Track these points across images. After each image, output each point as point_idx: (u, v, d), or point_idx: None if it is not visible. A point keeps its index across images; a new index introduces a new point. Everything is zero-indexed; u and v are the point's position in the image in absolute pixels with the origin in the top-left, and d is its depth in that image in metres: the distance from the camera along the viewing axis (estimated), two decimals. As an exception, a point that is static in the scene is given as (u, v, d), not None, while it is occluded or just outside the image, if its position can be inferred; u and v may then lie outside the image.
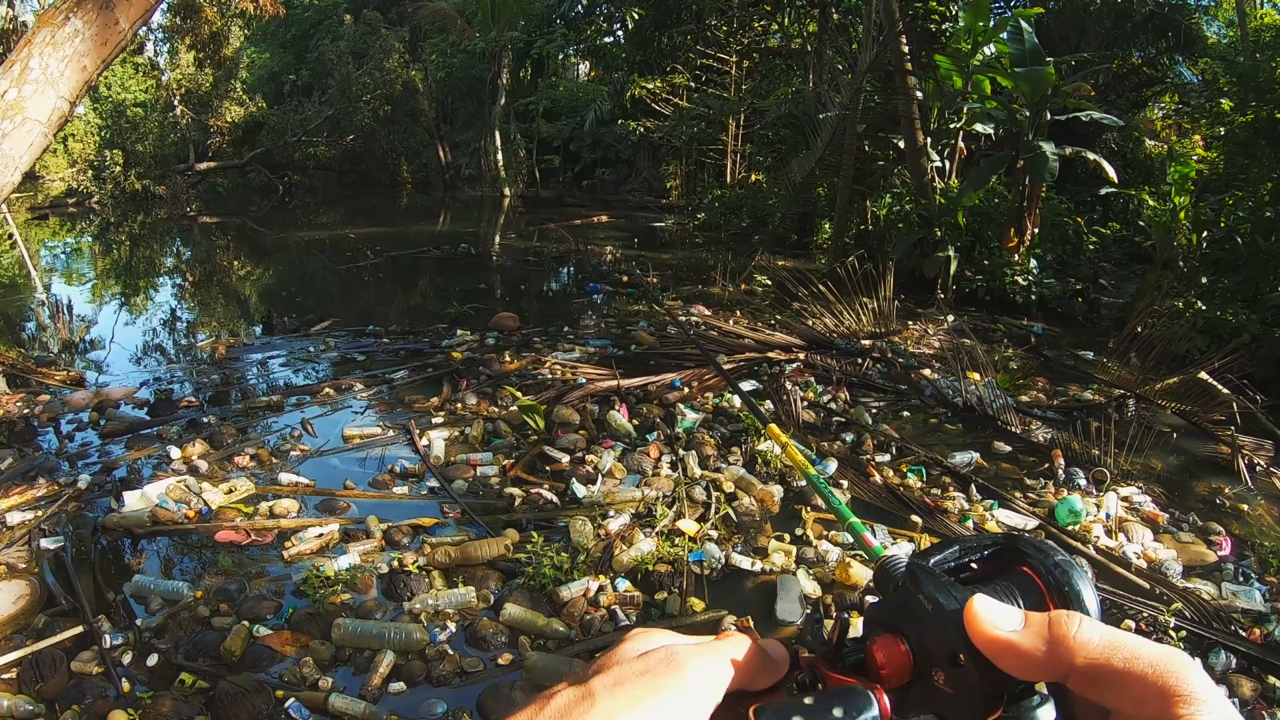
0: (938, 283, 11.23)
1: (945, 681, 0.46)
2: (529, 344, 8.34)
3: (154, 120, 22.42)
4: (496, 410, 6.21)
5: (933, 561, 0.50)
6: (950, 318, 10.04)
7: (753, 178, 19.78)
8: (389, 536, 4.30)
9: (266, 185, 23.52)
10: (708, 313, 9.79)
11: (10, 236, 12.50)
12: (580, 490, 4.79)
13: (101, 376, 7.39)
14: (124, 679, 3.23)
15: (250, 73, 25.05)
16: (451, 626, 3.58)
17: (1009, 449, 5.98)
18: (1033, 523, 4.80)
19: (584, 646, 3.47)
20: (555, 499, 4.79)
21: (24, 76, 3.30)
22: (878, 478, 5.25)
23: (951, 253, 11.08)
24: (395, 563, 4.01)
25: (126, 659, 3.35)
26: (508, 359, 7.61)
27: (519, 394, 6.05)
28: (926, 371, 7.61)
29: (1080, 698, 0.44)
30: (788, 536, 4.45)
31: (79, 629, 3.51)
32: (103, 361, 8.02)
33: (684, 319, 9.26)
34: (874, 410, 6.61)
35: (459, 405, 6.31)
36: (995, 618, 0.44)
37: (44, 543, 4.18)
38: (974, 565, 0.50)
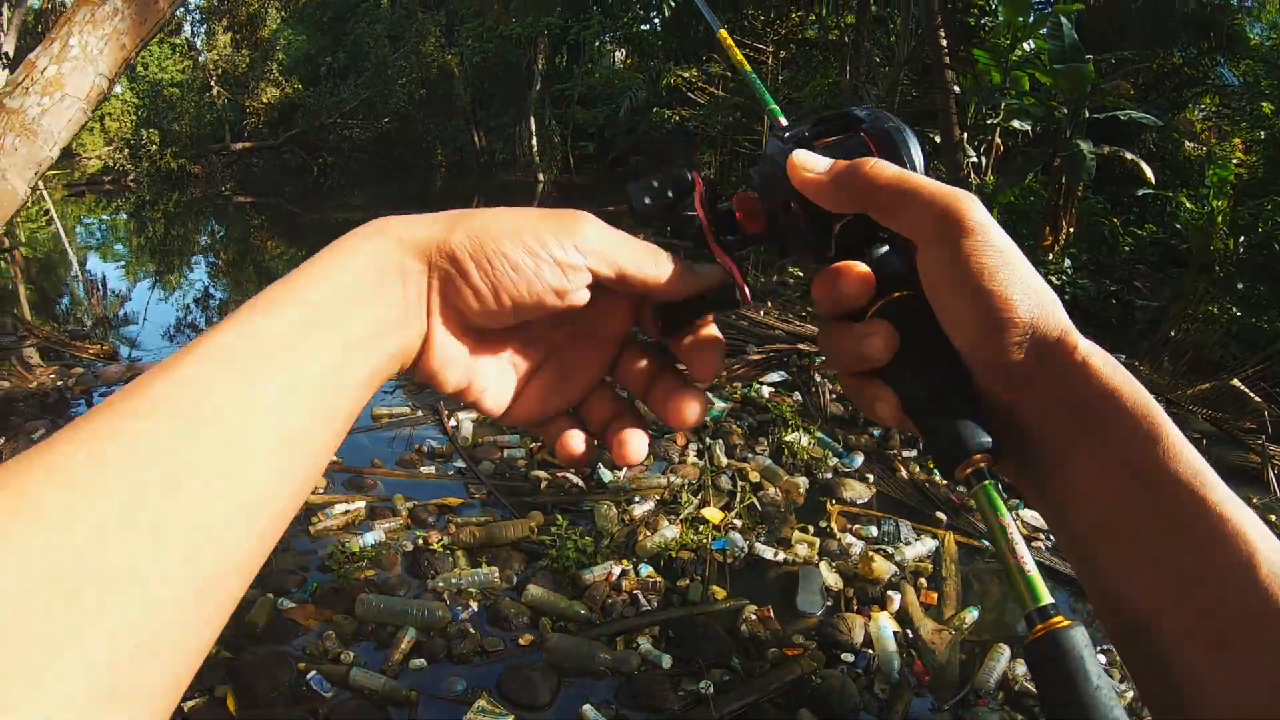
0: (971, 280, 11.13)
1: (786, 225, 0.53)
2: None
3: (190, 100, 22.56)
4: (524, 394, 6.22)
5: (787, 133, 0.55)
6: (982, 315, 9.95)
7: (787, 169, 19.66)
8: (415, 515, 4.33)
9: (301, 166, 23.61)
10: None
11: (47, 213, 12.62)
12: (606, 475, 4.79)
13: (134, 351, 7.45)
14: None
15: (286, 54, 25.12)
16: (474, 605, 3.59)
17: (1038, 448, 5.93)
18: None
19: (605, 630, 3.47)
20: (581, 483, 4.79)
21: (63, 54, 3.31)
22: (904, 473, 5.22)
23: (985, 250, 10.99)
24: (420, 541, 4.03)
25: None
26: (537, 343, 7.61)
27: (547, 378, 6.05)
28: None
29: (912, 247, 0.49)
30: (811, 528, 4.44)
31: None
32: (135, 337, 8.09)
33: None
34: (902, 405, 6.56)
35: (487, 388, 6.31)
36: (808, 162, 0.50)
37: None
38: (821, 132, 0.55)
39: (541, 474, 4.89)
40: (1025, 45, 11.01)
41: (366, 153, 24.53)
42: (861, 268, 0.50)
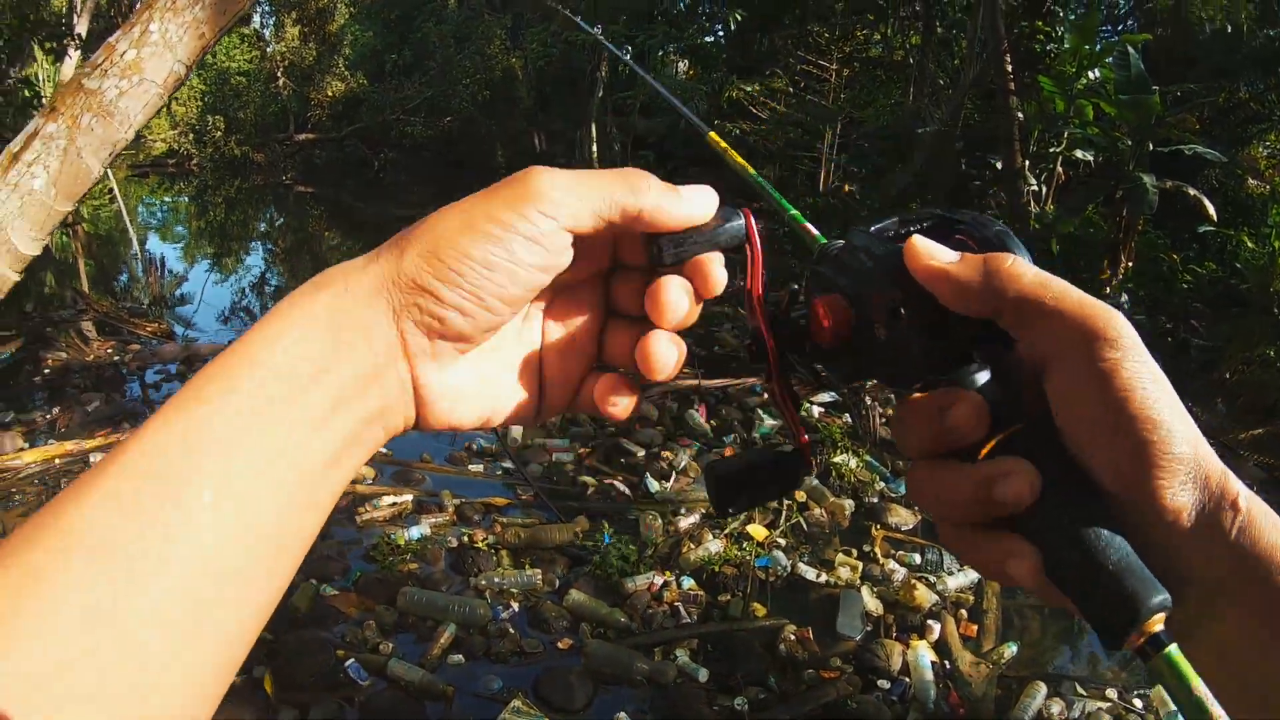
0: (1026, 309, 11.01)
1: (885, 336, 0.45)
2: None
3: (256, 90, 22.87)
4: (576, 398, 6.22)
5: (873, 229, 0.49)
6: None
7: (845, 188, 19.61)
8: (461, 512, 4.36)
9: (362, 160, 23.75)
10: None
11: (110, 191, 12.83)
12: (654, 485, 4.78)
13: (189, 332, 7.56)
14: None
15: (353, 50, 25.38)
16: (515, 606, 3.60)
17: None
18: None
19: (644, 639, 3.47)
20: (628, 491, 4.79)
21: (143, 39, 3.37)
22: (950, 500, 5.17)
23: (1041, 280, 10.87)
24: (465, 538, 4.06)
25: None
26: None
27: (598, 385, 6.05)
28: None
29: (1018, 363, 0.44)
30: (855, 551, 4.40)
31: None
32: (191, 317, 8.20)
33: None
34: (950, 431, 6.49)
35: (538, 391, 6.32)
36: (934, 250, 0.44)
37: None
38: (911, 232, 0.48)
39: (589, 479, 4.89)
40: (1091, 74, 10.88)
41: (428, 150, 24.64)
42: (975, 395, 0.43)
